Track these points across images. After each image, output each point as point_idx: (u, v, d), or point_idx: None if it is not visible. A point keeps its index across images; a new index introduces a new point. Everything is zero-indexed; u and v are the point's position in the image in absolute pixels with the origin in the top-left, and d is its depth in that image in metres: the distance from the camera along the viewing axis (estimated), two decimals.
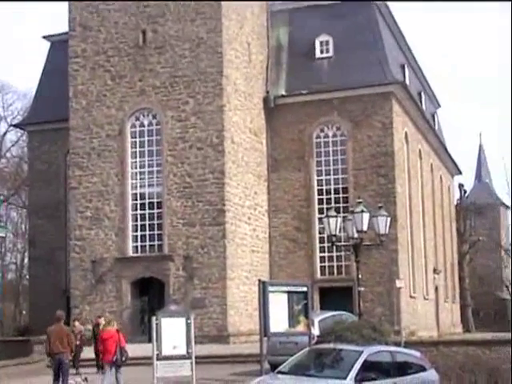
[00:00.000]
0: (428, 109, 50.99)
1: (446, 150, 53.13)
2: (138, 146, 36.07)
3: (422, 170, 46.23)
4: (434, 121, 52.41)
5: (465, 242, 61.00)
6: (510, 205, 64.25)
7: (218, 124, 34.91)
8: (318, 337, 17.60)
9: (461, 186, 62.80)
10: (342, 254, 37.49)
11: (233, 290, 34.65)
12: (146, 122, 36.08)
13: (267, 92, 39.92)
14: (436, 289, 48.03)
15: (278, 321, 17.91)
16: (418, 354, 15.36)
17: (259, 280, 19.43)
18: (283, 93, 39.96)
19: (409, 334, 33.47)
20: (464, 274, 59.49)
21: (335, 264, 38.54)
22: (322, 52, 40.71)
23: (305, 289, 18.62)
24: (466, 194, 63.71)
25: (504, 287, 74.58)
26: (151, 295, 35.38)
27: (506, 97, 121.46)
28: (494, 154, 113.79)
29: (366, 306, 32.16)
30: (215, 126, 34.88)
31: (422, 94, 49.34)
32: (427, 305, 44.56)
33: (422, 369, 14.81)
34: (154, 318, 17.65)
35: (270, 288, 18.03)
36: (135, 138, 36.09)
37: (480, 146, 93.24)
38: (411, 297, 40.03)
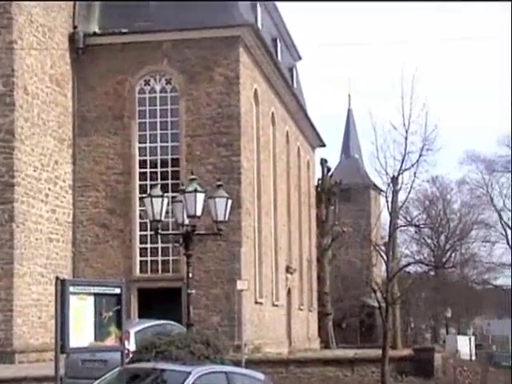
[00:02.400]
0: (285, 61, 51.86)
1: (305, 114, 54.28)
2: None
3: (275, 139, 47.02)
4: (292, 77, 53.39)
5: (327, 234, 62.56)
6: (383, 187, 66.45)
7: (5, 67, 34.29)
8: (133, 353, 17.58)
9: (323, 161, 64.35)
10: (170, 245, 37.60)
11: (22, 290, 34.19)
12: None
13: (74, 28, 39.29)
14: (289, 293, 49.14)
15: (81, 332, 17.71)
16: (261, 376, 15.64)
17: (57, 277, 19.15)
18: (96, 30, 39.48)
19: (252, 351, 34.25)
20: (324, 275, 61.13)
21: (160, 258, 38.66)
22: None
23: (118, 290, 18.49)
24: (330, 173, 65.30)
25: (372, 292, 76.97)
26: None
27: (380, 51, 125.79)
28: (366, 124, 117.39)
29: (198, 314, 32.48)
30: (1, 70, 34.26)
31: (278, 41, 50.09)
32: (277, 313, 45.51)
33: None
34: None
35: (72, 288, 17.76)
36: None
37: (349, 112, 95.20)
38: (257, 303, 40.74)
